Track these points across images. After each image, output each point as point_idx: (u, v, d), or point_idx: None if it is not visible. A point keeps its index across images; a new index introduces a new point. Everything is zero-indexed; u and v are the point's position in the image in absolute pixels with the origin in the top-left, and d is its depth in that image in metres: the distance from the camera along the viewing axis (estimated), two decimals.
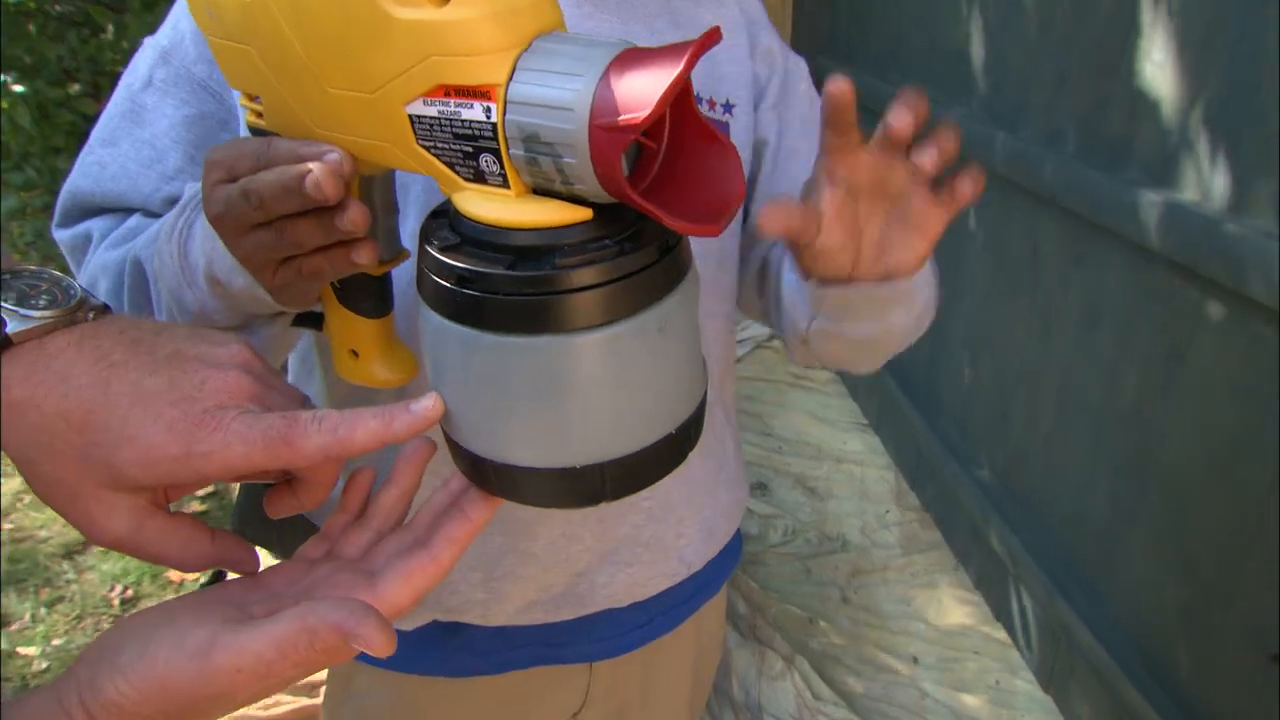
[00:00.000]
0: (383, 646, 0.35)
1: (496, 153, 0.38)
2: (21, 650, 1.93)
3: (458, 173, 0.40)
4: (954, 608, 1.87)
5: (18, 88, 2.42)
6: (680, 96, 0.39)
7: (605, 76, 0.36)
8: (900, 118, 0.45)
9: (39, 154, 2.47)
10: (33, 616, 2.03)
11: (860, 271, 0.53)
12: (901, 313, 0.56)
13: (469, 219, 0.40)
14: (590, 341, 0.38)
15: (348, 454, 0.39)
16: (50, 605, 2.06)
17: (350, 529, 0.45)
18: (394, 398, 0.64)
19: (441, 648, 0.74)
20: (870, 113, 0.77)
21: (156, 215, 0.61)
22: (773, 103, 0.70)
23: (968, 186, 0.49)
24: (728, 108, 0.67)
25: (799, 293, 0.59)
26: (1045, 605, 1.60)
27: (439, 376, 0.42)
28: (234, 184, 0.45)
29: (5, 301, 0.37)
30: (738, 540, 0.85)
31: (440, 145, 0.40)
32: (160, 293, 0.54)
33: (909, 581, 1.95)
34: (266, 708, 1.55)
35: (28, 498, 2.37)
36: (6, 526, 2.28)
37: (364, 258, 0.46)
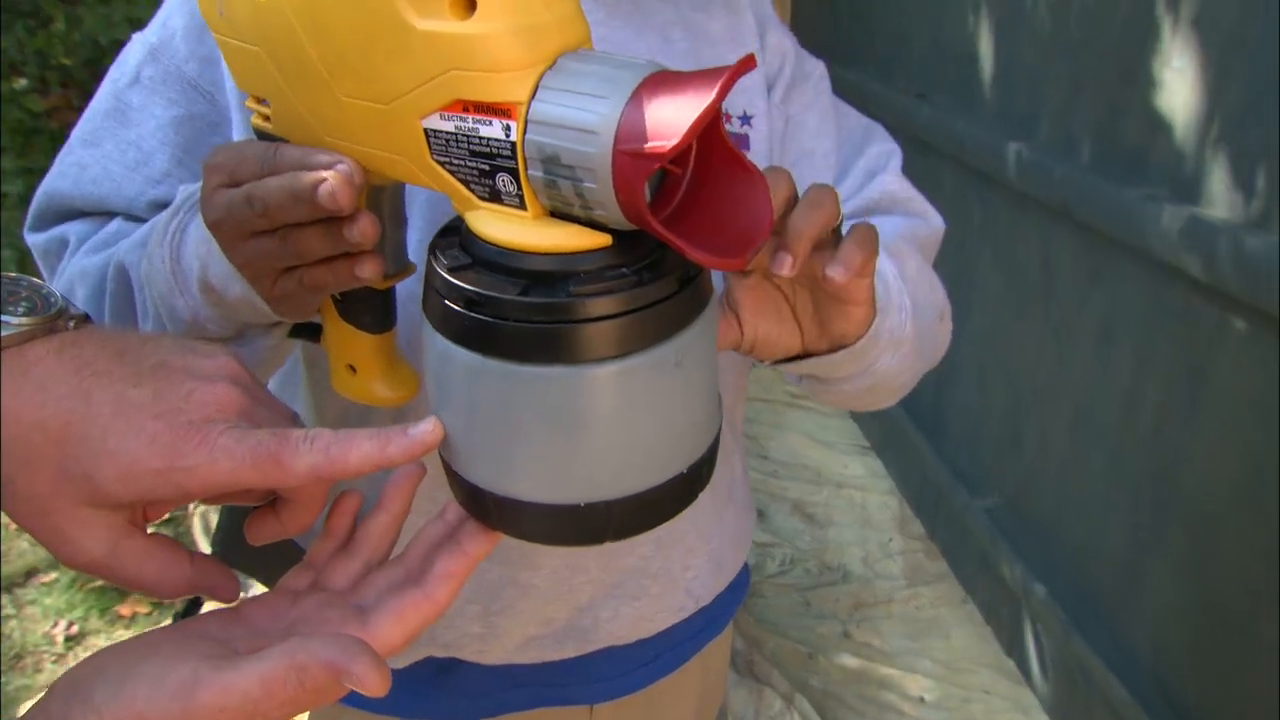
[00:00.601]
0: (377, 686, 0.35)
1: (514, 173, 0.39)
2: None
3: (472, 191, 0.41)
4: (962, 643, 1.89)
5: None
6: (709, 122, 0.39)
7: (632, 100, 0.36)
8: (787, 266, 0.45)
9: None
10: None
11: (811, 345, 0.54)
12: (887, 357, 0.57)
13: (481, 239, 0.41)
14: (603, 374, 0.39)
15: (340, 476, 0.39)
16: None
17: (337, 558, 0.45)
18: (389, 417, 0.65)
19: (436, 687, 0.74)
20: (872, 116, 0.79)
21: (140, 220, 0.61)
22: (780, 99, 0.71)
23: (855, 256, 0.47)
24: (746, 119, 0.69)
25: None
26: (1060, 641, 1.61)
27: (440, 400, 0.43)
28: (236, 189, 0.45)
29: None
30: (744, 574, 0.86)
31: (455, 161, 0.40)
32: (148, 300, 0.54)
33: (914, 615, 1.97)
34: None
35: None
36: None
37: (368, 272, 0.46)
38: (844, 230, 0.49)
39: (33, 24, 2.57)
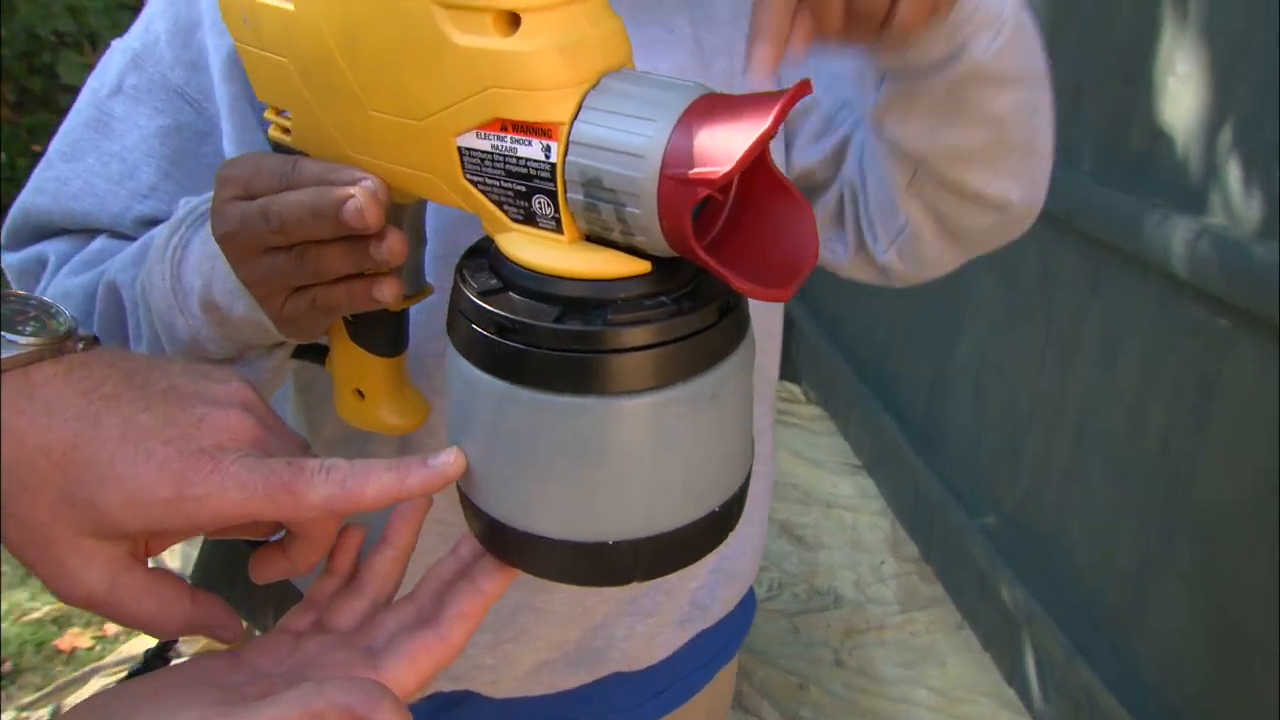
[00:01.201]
0: None
1: (553, 195, 0.39)
2: None
3: (505, 212, 0.42)
4: (960, 670, 1.90)
5: None
6: None
7: (680, 123, 0.37)
8: None
9: None
10: None
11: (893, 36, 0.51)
12: (984, 37, 0.54)
13: (513, 262, 0.41)
14: (638, 407, 0.39)
15: (355, 509, 0.39)
16: None
17: (341, 596, 0.45)
18: (393, 446, 0.65)
19: None
20: None
21: (126, 237, 0.61)
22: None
23: None
24: None
25: (885, 144, 0.61)
26: (1063, 666, 1.63)
27: (462, 429, 0.43)
28: (251, 202, 0.45)
29: None
30: (751, 596, 0.87)
31: (490, 181, 0.41)
32: (143, 321, 0.54)
33: (909, 641, 1.98)
34: None
35: None
36: None
37: (388, 293, 0.46)
38: None
39: None
